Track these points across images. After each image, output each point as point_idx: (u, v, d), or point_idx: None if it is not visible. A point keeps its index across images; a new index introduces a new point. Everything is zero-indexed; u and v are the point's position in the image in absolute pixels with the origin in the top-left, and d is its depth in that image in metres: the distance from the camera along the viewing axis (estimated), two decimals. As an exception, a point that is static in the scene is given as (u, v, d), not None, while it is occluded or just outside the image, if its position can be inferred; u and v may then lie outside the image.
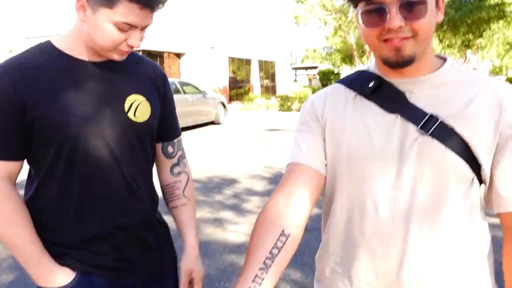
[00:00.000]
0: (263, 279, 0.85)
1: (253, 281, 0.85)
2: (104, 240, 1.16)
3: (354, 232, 0.96)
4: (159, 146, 1.32)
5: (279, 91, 25.42)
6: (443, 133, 0.88)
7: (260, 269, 0.86)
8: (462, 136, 0.88)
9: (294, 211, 0.93)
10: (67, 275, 1.12)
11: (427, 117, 0.90)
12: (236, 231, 4.03)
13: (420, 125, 0.90)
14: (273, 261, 0.87)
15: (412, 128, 0.91)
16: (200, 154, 7.51)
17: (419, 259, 0.90)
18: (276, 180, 5.76)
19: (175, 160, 1.35)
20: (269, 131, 10.56)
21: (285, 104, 18.64)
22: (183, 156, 1.38)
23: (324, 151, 0.99)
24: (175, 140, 1.35)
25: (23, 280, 3.05)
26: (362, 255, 0.95)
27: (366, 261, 0.95)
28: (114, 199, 1.16)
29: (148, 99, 1.20)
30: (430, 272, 0.90)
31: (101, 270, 1.16)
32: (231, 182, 5.68)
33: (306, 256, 3.53)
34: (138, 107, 1.17)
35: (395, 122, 0.92)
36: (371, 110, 0.96)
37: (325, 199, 1.05)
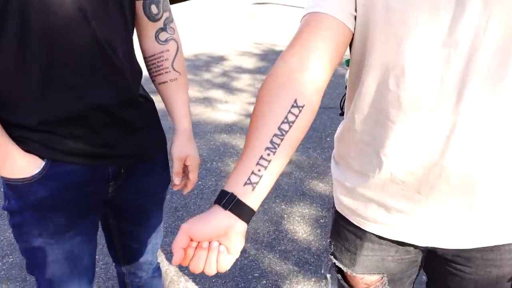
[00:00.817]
0: (269, 162, 0.67)
1: (257, 163, 0.67)
2: (77, 121, 0.95)
3: (387, 105, 0.76)
4: (139, 5, 1.04)
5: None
6: None
7: (266, 148, 0.68)
8: None
9: (310, 75, 0.72)
10: (34, 163, 0.93)
11: None
12: (226, 110, 3.87)
13: None
14: (282, 140, 0.68)
15: None
16: (184, 30, 7.03)
17: (471, 135, 0.72)
18: (267, 57, 5.47)
19: (160, 23, 1.09)
20: (257, 5, 9.88)
21: (273, -25, 17.30)
22: (170, 20, 1.11)
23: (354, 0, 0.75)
24: None
25: None
26: (397, 133, 0.76)
27: (401, 139, 0.76)
28: (86, 70, 0.92)
29: None
30: (481, 153, 0.73)
31: (76, 157, 0.97)
32: (219, 59, 5.37)
33: (308, 133, 3.43)
34: None
35: None
36: None
37: (351, 63, 0.83)
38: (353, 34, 0.77)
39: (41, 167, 0.93)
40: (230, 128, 3.53)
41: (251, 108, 3.90)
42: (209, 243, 0.67)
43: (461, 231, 0.82)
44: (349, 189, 0.90)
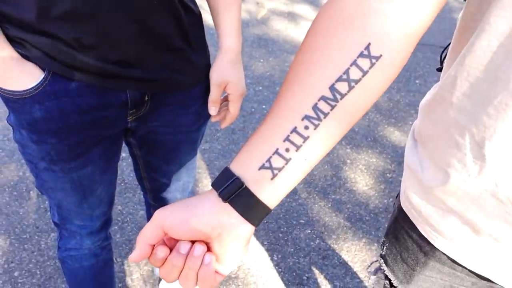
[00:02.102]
0: (306, 139, 0.44)
1: (286, 139, 0.44)
2: (88, 23, 0.73)
3: None
4: None
5: None
6: None
7: (304, 118, 0.43)
8: None
9: (403, 6, 0.42)
10: (31, 74, 0.75)
11: None
12: (310, 30, 3.50)
13: None
14: (334, 107, 0.43)
15: None
16: None
17: None
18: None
19: None
20: None
21: None
22: None
23: None
24: None
25: None
26: None
27: None
28: None
29: None
30: None
31: (84, 73, 0.77)
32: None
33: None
34: None
35: None
36: None
37: (467, 3, 0.52)
38: None
39: (39, 80, 0.75)
40: (310, 51, 3.20)
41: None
42: (192, 245, 0.46)
43: None
44: (424, 187, 0.63)
